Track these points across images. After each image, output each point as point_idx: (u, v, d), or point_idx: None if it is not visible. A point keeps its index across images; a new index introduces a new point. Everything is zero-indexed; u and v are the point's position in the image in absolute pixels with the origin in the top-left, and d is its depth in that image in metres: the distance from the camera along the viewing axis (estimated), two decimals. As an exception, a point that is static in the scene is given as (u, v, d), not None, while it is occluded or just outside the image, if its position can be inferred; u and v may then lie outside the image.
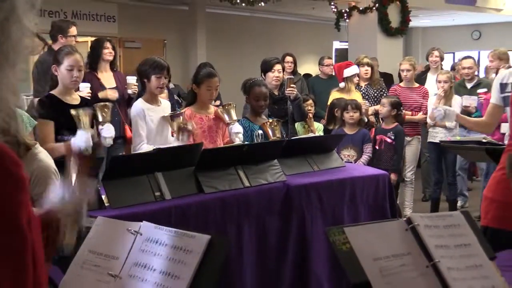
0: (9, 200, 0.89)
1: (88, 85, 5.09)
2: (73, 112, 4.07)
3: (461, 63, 8.14)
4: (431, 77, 8.06)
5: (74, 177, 1.66)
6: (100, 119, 4.36)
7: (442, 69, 8.08)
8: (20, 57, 0.95)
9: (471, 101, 6.96)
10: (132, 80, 5.84)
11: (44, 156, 3.13)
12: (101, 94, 5.51)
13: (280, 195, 4.19)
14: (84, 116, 4.06)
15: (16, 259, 0.89)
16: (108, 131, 4.33)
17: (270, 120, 5.15)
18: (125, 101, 5.95)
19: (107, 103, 4.51)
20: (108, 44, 5.99)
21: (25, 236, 0.90)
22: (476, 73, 8.14)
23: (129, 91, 5.88)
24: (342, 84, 7.40)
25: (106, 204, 3.55)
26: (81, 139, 4.00)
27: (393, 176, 6.33)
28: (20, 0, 0.93)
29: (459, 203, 7.54)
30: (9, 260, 0.88)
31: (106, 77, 5.98)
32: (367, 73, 7.62)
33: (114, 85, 5.97)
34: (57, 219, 1.45)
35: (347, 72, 7.37)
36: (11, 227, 0.89)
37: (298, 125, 6.63)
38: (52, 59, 4.46)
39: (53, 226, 1.46)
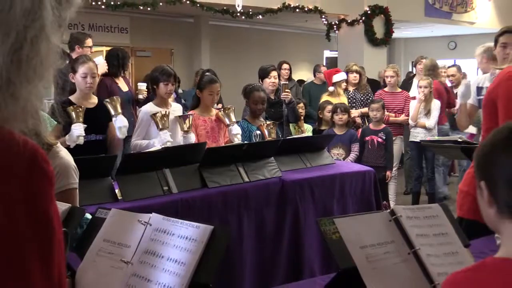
0: (42, 196, 0.89)
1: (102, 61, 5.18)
2: (69, 109, 4.09)
3: (447, 71, 8.23)
4: (416, 83, 8.08)
5: None
6: (112, 112, 4.36)
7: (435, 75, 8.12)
8: (47, 70, 0.95)
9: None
10: (142, 86, 5.93)
11: (65, 154, 3.12)
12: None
13: (276, 189, 4.19)
14: (75, 112, 4.08)
15: (45, 248, 0.89)
16: (121, 121, 4.33)
17: (267, 122, 5.19)
18: (135, 102, 5.98)
19: (114, 97, 4.51)
20: (121, 55, 6.05)
21: (54, 227, 0.91)
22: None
23: (140, 96, 5.93)
24: (331, 88, 7.41)
25: (119, 198, 3.56)
26: (76, 131, 4.03)
27: (388, 173, 6.36)
28: (48, 20, 0.93)
29: (439, 197, 7.55)
30: (39, 249, 0.88)
31: (121, 82, 6.00)
32: (355, 79, 7.65)
33: (127, 89, 6.00)
34: None
35: (336, 78, 7.40)
36: (43, 220, 0.89)
37: (290, 126, 6.66)
38: (70, 68, 4.47)
39: None
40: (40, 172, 0.90)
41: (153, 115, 4.49)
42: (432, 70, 7.77)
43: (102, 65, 5.45)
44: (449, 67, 8.39)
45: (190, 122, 4.58)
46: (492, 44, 6.64)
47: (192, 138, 4.56)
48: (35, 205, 0.88)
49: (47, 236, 0.90)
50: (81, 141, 4.06)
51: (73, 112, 4.10)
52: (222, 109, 5.02)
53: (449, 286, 1.22)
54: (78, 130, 4.05)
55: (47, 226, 0.90)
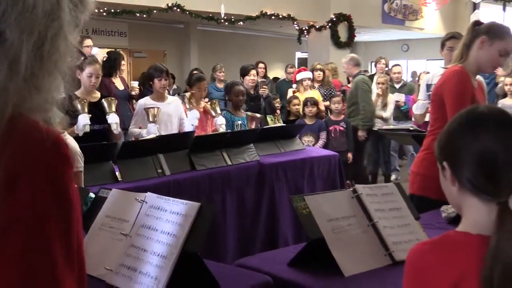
0: (63, 177, 0.89)
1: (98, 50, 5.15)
2: (75, 102, 4.04)
3: (392, 69, 8.30)
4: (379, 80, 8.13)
5: None
6: (107, 110, 4.31)
7: (388, 74, 8.16)
8: (65, 65, 0.94)
9: (400, 97, 7.11)
10: (134, 84, 5.97)
11: (71, 141, 3.09)
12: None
13: (255, 171, 4.19)
14: (81, 104, 4.04)
15: (66, 224, 0.88)
16: (112, 119, 4.26)
17: (249, 114, 5.20)
18: (130, 98, 5.93)
19: (110, 98, 4.46)
20: (123, 60, 6.01)
21: (73, 205, 0.90)
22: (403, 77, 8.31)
23: (133, 92, 5.91)
24: (294, 85, 7.41)
25: (119, 179, 3.54)
26: (82, 121, 3.99)
27: (349, 155, 6.40)
28: (66, 21, 0.92)
29: (393, 177, 7.61)
30: (61, 225, 0.87)
31: (117, 82, 5.94)
32: (320, 76, 7.62)
33: (123, 87, 5.94)
34: None
35: (299, 76, 7.39)
36: (64, 198, 0.88)
37: (268, 117, 6.66)
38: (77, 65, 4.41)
39: None
40: (61, 157, 0.89)
41: (146, 109, 4.46)
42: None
43: (99, 55, 5.41)
44: (393, 65, 8.50)
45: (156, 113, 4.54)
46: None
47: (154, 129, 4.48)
48: (57, 185, 0.87)
49: (68, 213, 0.89)
50: (87, 129, 4.02)
51: (79, 105, 4.05)
52: (209, 102, 5.00)
53: (414, 256, 1.22)
54: (84, 120, 4.01)
55: (67, 204, 0.89)
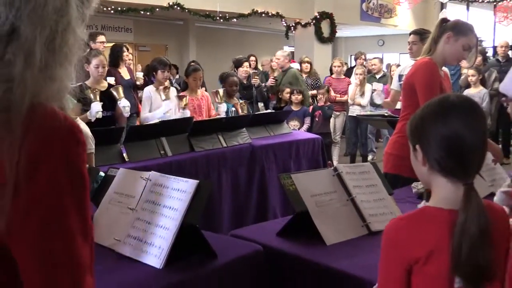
0: (78, 158, 0.89)
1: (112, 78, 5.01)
2: (87, 91, 4.01)
3: (371, 61, 8.28)
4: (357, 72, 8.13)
5: None
6: (117, 97, 4.28)
7: (365, 66, 8.16)
8: (75, 57, 0.94)
9: (378, 86, 7.10)
10: (139, 74, 5.90)
11: (83, 126, 3.07)
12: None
13: (247, 152, 4.18)
14: (93, 93, 4.01)
15: (81, 200, 0.89)
16: (125, 102, 4.26)
17: (241, 101, 5.19)
18: (135, 87, 5.88)
19: (119, 86, 4.43)
20: (125, 50, 5.93)
21: (86, 184, 0.90)
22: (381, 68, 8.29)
23: (138, 82, 5.86)
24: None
25: (127, 160, 3.52)
26: (95, 108, 3.96)
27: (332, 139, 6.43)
28: (74, 16, 0.92)
29: (369, 157, 7.63)
30: (76, 201, 0.88)
31: (124, 71, 5.87)
32: (307, 68, 7.58)
33: (128, 77, 5.88)
34: None
35: None
36: (79, 177, 0.88)
37: (260, 104, 6.66)
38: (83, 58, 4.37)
39: None
40: (76, 140, 0.88)
41: (181, 96, 4.53)
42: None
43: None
44: (373, 58, 8.51)
45: (187, 101, 4.53)
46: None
47: (187, 113, 4.51)
48: (73, 167, 0.87)
49: (83, 191, 0.89)
50: (99, 115, 3.99)
51: (91, 94, 4.02)
52: (216, 91, 4.99)
53: (391, 230, 1.21)
54: (97, 107, 3.98)
55: (83, 183, 0.89)
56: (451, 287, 1.16)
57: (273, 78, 6.97)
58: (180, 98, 4.52)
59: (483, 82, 7.14)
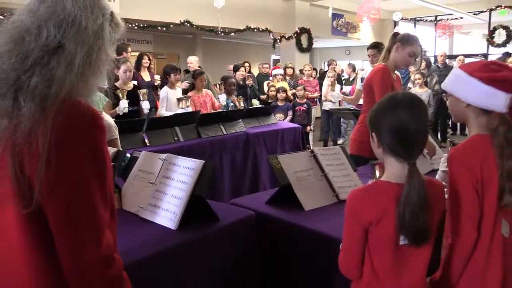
0: (99, 141, 0.89)
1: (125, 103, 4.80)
2: (117, 91, 3.99)
3: (344, 68, 8.32)
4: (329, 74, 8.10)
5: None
6: (141, 98, 4.26)
7: (336, 71, 8.15)
8: (105, 69, 0.96)
9: (336, 91, 7.08)
10: (157, 77, 5.87)
11: (108, 118, 3.03)
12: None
13: (243, 138, 4.17)
14: (121, 93, 3.98)
15: (101, 176, 0.89)
16: (146, 104, 4.24)
17: (238, 98, 5.15)
18: (154, 88, 5.82)
19: (144, 90, 4.40)
20: (146, 58, 5.86)
21: (106, 159, 0.91)
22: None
23: (156, 83, 5.80)
24: (270, 78, 7.39)
25: (148, 144, 3.50)
26: (123, 105, 3.93)
27: (308, 128, 6.39)
28: (107, 39, 0.95)
29: (341, 141, 7.64)
30: (98, 177, 0.88)
31: (145, 75, 5.81)
32: (290, 71, 7.57)
33: (149, 79, 5.82)
34: None
35: (274, 72, 7.37)
36: (100, 157, 0.89)
37: (254, 101, 6.64)
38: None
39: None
40: (97, 125, 0.89)
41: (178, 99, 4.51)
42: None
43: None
44: (347, 64, 8.53)
45: (187, 103, 4.52)
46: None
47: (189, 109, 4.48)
48: (94, 147, 0.87)
49: (103, 168, 0.89)
50: (126, 110, 3.97)
51: (120, 93, 3.99)
52: (217, 84, 4.98)
53: (351, 199, 1.22)
54: (124, 104, 3.95)
55: (103, 161, 0.89)
56: (397, 243, 1.16)
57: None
58: (179, 100, 4.51)
59: (426, 84, 7.15)
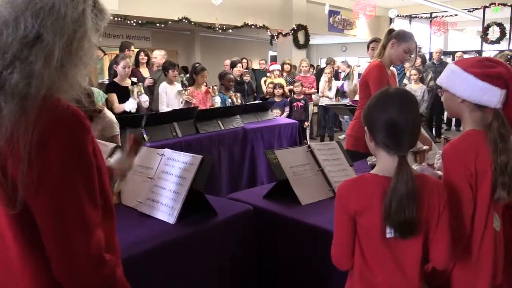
0: (82, 140, 0.85)
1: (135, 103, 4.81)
2: (130, 87, 4.01)
3: (340, 65, 8.30)
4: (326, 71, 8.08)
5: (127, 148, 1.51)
6: (140, 92, 4.24)
7: (333, 67, 8.15)
8: (89, 60, 0.90)
9: (345, 83, 7.11)
10: (149, 79, 5.81)
11: (109, 114, 3.01)
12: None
13: (241, 133, 4.16)
14: (134, 90, 3.98)
15: (87, 173, 0.85)
16: (144, 97, 4.21)
17: (235, 94, 5.13)
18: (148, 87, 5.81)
19: (140, 84, 4.38)
20: (142, 54, 5.78)
21: (91, 159, 0.87)
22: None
23: (146, 83, 5.76)
24: (268, 74, 7.34)
25: (147, 140, 3.49)
26: (131, 102, 3.92)
27: (306, 123, 6.39)
28: (89, 26, 0.89)
29: (342, 137, 7.64)
30: (83, 174, 0.85)
31: (144, 71, 5.77)
32: (288, 68, 7.56)
33: (148, 75, 5.78)
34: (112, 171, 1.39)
35: (271, 68, 7.32)
36: (83, 154, 0.85)
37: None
38: (113, 61, 4.34)
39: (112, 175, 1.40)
40: (80, 124, 0.85)
41: (179, 91, 4.50)
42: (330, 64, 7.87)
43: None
44: (341, 62, 8.51)
45: (187, 94, 4.51)
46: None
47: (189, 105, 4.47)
48: (77, 144, 0.84)
49: (88, 166, 0.86)
50: (134, 110, 3.99)
51: (135, 89, 4.02)
52: (212, 86, 4.92)
53: (340, 190, 1.22)
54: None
55: (87, 160, 0.85)
56: (384, 236, 1.16)
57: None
58: (179, 93, 4.50)
59: (422, 80, 7.15)
